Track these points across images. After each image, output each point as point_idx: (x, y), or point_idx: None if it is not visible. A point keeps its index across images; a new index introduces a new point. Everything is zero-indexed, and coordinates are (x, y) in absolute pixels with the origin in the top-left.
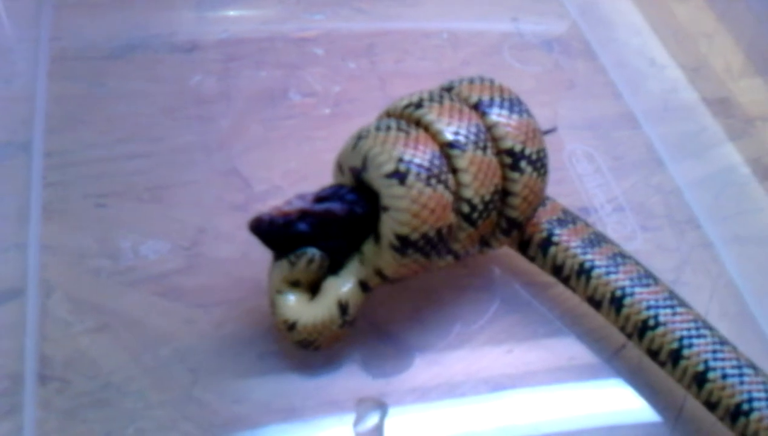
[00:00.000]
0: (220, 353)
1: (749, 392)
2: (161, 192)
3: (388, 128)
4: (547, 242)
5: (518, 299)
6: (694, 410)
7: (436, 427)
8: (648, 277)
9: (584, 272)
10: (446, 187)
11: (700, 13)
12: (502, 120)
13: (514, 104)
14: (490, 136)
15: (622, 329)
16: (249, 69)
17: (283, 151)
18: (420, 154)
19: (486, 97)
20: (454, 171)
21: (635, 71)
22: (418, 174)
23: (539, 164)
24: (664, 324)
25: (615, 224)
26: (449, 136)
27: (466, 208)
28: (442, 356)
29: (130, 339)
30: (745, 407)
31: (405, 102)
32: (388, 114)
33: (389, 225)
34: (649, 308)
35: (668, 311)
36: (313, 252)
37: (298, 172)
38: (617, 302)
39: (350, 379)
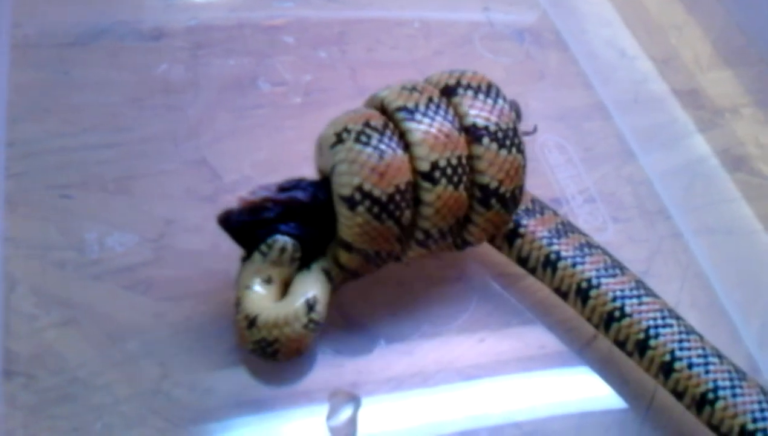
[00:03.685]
0: (190, 346)
1: (714, 381)
2: (128, 183)
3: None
4: (513, 234)
5: (490, 290)
6: (666, 399)
7: (409, 417)
8: (615, 267)
9: (550, 263)
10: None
11: (670, 4)
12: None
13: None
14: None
15: (589, 320)
16: (217, 57)
17: (252, 142)
18: (361, 121)
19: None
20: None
21: (606, 62)
22: (356, 138)
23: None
24: (630, 315)
25: (586, 215)
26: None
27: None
28: (414, 346)
29: (97, 333)
30: (711, 396)
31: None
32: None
33: (335, 181)
34: (615, 299)
35: (635, 301)
36: (285, 240)
37: (269, 163)
38: (583, 294)
39: (322, 371)
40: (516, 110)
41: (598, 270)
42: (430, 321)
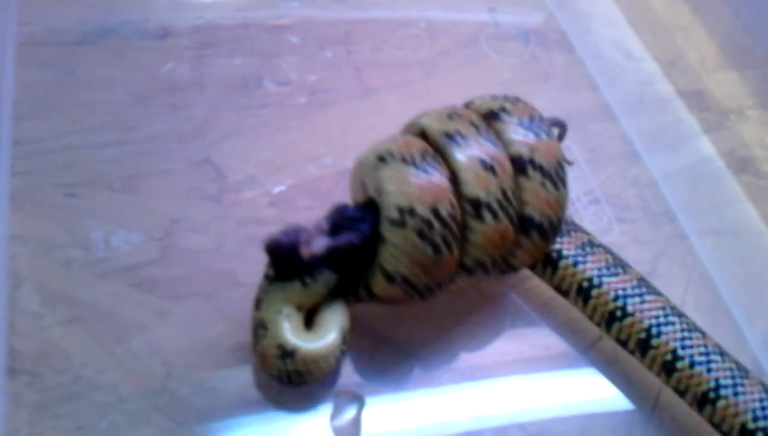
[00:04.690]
0: (194, 345)
1: (716, 379)
2: (133, 182)
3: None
4: None
5: (495, 290)
6: (671, 399)
7: (413, 418)
8: (617, 266)
9: (551, 262)
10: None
11: (675, 5)
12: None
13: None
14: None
15: (591, 318)
16: (223, 57)
17: (257, 141)
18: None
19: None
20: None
21: (611, 63)
22: (420, 230)
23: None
24: (632, 314)
25: (591, 216)
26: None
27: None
28: (418, 347)
29: (102, 331)
30: (712, 395)
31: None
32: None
33: (383, 257)
34: (616, 298)
35: (636, 299)
36: (330, 274)
37: (273, 163)
38: (585, 293)
39: None
40: (561, 131)
41: (599, 269)
42: (435, 321)
